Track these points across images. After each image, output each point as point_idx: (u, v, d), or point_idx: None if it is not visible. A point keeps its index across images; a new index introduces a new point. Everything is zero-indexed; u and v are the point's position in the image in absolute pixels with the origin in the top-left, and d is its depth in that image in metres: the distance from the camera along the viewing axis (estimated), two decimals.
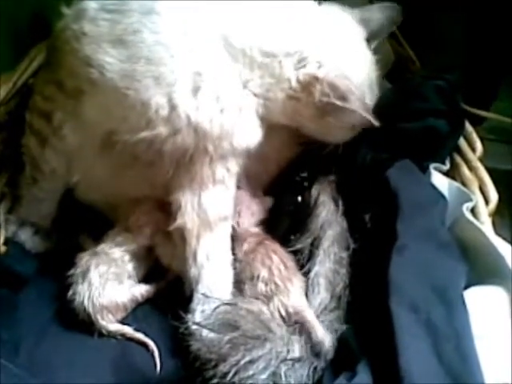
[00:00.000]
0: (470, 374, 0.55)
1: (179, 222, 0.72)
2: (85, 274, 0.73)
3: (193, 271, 0.72)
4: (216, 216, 0.72)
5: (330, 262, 0.74)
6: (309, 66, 0.71)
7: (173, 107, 0.67)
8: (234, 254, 0.75)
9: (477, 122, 0.91)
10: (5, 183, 0.85)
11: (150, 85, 0.66)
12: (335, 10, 0.79)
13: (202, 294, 0.70)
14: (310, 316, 0.68)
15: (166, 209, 0.76)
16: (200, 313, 0.69)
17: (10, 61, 0.88)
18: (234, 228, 0.77)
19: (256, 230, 0.79)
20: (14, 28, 0.89)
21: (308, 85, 0.71)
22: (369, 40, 0.80)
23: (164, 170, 0.73)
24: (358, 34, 0.79)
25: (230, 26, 0.69)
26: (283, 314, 0.68)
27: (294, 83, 0.71)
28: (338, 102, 0.70)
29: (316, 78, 0.71)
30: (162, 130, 0.68)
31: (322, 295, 0.71)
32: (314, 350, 0.66)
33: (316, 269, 0.73)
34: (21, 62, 0.87)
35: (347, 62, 0.74)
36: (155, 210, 0.79)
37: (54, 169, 0.78)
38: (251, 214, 0.79)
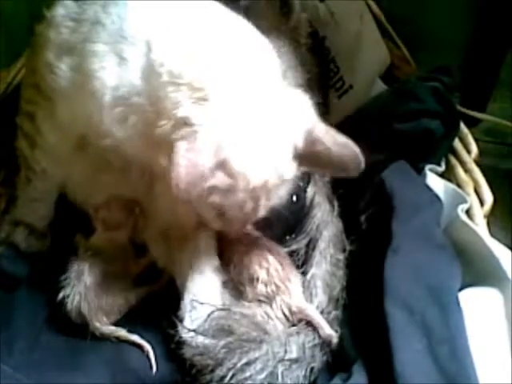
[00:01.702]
0: (465, 376, 0.56)
1: (161, 229, 0.72)
2: (79, 276, 0.72)
3: (179, 280, 0.72)
4: (196, 222, 0.71)
5: (326, 264, 0.74)
6: (204, 110, 0.56)
7: (102, 123, 0.64)
8: (227, 255, 0.75)
9: (472, 123, 0.91)
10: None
11: (88, 96, 0.63)
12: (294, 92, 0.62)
13: (191, 301, 0.69)
14: (313, 313, 0.69)
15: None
16: (189, 320, 0.68)
17: (5, 59, 0.89)
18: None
19: (249, 229, 0.79)
20: (11, 27, 0.90)
21: (187, 122, 0.57)
22: (302, 158, 0.60)
23: (137, 176, 0.72)
24: (293, 138, 0.60)
25: (154, 36, 0.61)
26: (286, 313, 0.69)
27: (180, 114, 0.57)
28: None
29: (195, 130, 0.56)
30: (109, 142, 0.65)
31: (319, 298, 0.71)
32: (323, 344, 0.67)
33: (313, 271, 0.73)
34: (16, 61, 0.88)
35: (254, 153, 0.57)
36: (128, 201, 0.79)
37: (45, 169, 0.78)
38: None
